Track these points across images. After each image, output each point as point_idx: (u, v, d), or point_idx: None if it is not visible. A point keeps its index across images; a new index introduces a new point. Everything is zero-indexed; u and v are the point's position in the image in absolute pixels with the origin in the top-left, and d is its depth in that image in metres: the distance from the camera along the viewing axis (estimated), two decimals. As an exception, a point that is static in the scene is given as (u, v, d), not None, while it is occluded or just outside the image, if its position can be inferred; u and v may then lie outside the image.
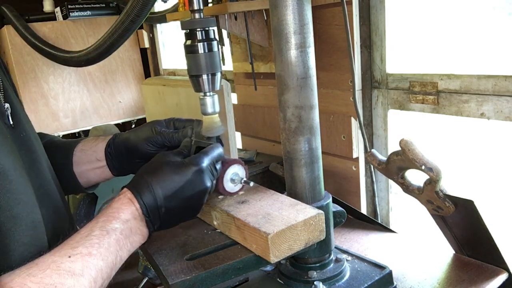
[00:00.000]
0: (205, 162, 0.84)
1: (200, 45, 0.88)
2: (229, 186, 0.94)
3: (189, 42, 0.89)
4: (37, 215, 0.76)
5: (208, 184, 0.83)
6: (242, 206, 0.90)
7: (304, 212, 0.84)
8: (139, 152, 0.97)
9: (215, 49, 0.89)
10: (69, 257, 0.67)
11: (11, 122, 0.80)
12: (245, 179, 0.95)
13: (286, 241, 0.81)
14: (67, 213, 0.93)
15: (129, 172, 1.02)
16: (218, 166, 0.88)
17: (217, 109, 0.92)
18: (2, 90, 0.81)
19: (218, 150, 0.88)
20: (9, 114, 0.80)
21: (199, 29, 0.87)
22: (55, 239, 0.80)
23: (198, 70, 0.89)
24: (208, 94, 0.91)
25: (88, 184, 1.07)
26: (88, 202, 1.64)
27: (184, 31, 0.89)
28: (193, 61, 0.89)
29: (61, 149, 1.04)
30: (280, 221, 0.82)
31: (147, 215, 0.78)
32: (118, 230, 0.74)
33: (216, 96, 0.92)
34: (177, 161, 0.83)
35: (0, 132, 0.74)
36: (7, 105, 0.80)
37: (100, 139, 1.04)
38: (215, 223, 0.94)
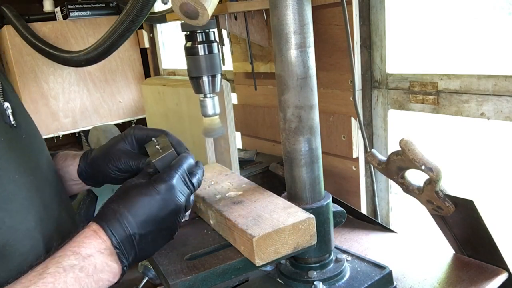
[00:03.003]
0: (174, 176, 0.77)
1: (200, 47, 0.88)
2: None
3: (189, 44, 0.89)
4: (30, 223, 0.73)
5: (181, 200, 0.76)
6: (236, 207, 0.90)
7: (295, 215, 0.84)
8: (110, 177, 0.94)
9: (215, 51, 0.90)
10: None
11: (12, 122, 0.80)
12: (186, 215, 0.87)
13: (273, 245, 0.80)
14: (70, 215, 0.92)
15: (110, 184, 0.98)
16: (195, 178, 0.80)
17: (218, 110, 0.93)
18: (1, 89, 0.80)
19: (188, 161, 0.81)
20: (10, 114, 0.79)
21: (199, 31, 0.87)
22: (59, 242, 0.80)
23: (198, 72, 0.89)
24: (208, 96, 0.91)
25: (71, 193, 1.03)
26: (88, 202, 1.64)
27: (185, 33, 0.90)
28: (193, 63, 0.89)
29: None
30: (269, 224, 0.82)
31: (117, 247, 0.70)
32: (77, 267, 0.64)
33: (216, 98, 0.92)
34: (142, 182, 0.76)
35: None
36: (6, 104, 0.80)
37: (70, 160, 0.99)
38: (211, 222, 0.94)
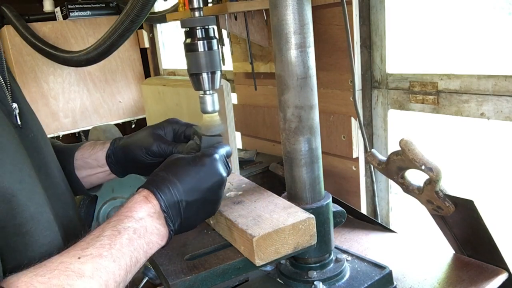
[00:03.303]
0: (218, 153, 0.82)
1: (200, 43, 0.87)
2: None
3: (189, 40, 0.88)
4: (49, 215, 0.75)
5: (224, 173, 0.81)
6: (236, 207, 0.90)
7: (295, 215, 0.84)
8: (139, 161, 0.96)
9: (215, 47, 0.89)
10: (79, 258, 0.64)
11: (19, 122, 0.80)
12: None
13: (273, 244, 0.80)
14: (77, 214, 0.93)
15: (134, 172, 1.02)
16: (230, 164, 0.85)
17: (217, 107, 0.92)
18: (9, 90, 0.81)
19: (227, 147, 0.87)
20: (17, 114, 0.80)
21: (199, 27, 0.87)
22: (65, 241, 0.80)
23: (198, 68, 0.88)
24: (208, 92, 0.91)
25: (91, 186, 1.06)
26: (88, 202, 1.64)
27: (184, 29, 0.89)
28: (193, 60, 0.88)
29: (62, 153, 1.03)
30: (269, 224, 0.82)
31: (165, 211, 0.74)
32: (131, 229, 0.69)
33: (216, 95, 0.92)
34: (189, 156, 0.82)
35: (8, 132, 0.74)
36: (14, 105, 0.80)
37: (99, 146, 1.03)
38: (211, 222, 0.94)
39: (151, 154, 0.95)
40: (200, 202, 0.78)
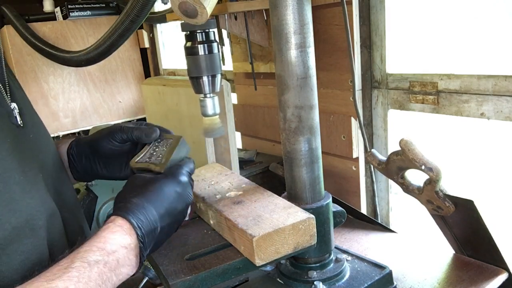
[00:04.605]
0: (187, 174, 0.83)
1: (200, 47, 0.88)
2: None
3: (189, 44, 0.89)
4: (37, 221, 0.74)
5: (192, 195, 0.82)
6: (236, 207, 0.90)
7: (295, 215, 0.84)
8: (102, 149, 0.94)
9: (215, 50, 0.90)
10: None
11: (19, 122, 0.80)
12: (187, 218, 0.91)
13: (273, 245, 0.80)
14: (76, 213, 0.93)
15: (90, 176, 0.99)
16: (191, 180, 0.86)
17: (217, 110, 0.93)
18: (8, 90, 0.80)
19: (191, 165, 0.87)
20: (17, 114, 0.80)
21: (199, 31, 0.87)
22: (73, 238, 0.80)
23: (198, 71, 0.89)
24: (208, 95, 0.91)
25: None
26: (88, 202, 1.64)
27: (185, 32, 0.90)
28: (193, 63, 0.89)
29: None
30: (269, 224, 0.82)
31: (142, 241, 0.72)
32: (101, 263, 0.66)
33: (216, 98, 0.92)
34: (158, 176, 0.80)
35: (6, 134, 0.73)
36: (14, 104, 0.80)
37: (65, 140, 1.01)
38: (211, 222, 0.94)
39: (114, 138, 0.93)
40: (171, 224, 0.78)
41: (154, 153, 0.87)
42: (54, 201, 0.80)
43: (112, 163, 0.94)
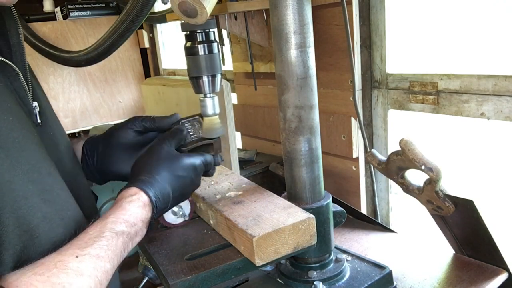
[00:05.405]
0: (203, 162, 0.89)
1: (200, 47, 0.88)
2: (169, 218, 0.97)
3: (189, 44, 0.89)
4: (66, 212, 0.75)
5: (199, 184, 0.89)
6: (236, 207, 0.90)
7: (295, 215, 0.84)
8: (115, 141, 0.96)
9: (215, 51, 0.90)
10: (77, 257, 0.66)
11: (39, 121, 0.81)
12: (187, 215, 0.98)
13: (273, 244, 0.80)
14: (95, 211, 0.94)
15: (100, 175, 0.99)
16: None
17: (217, 110, 0.93)
18: (30, 89, 0.81)
19: (209, 157, 0.91)
20: (37, 113, 0.81)
21: (199, 31, 0.87)
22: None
23: (198, 71, 0.89)
24: (208, 95, 0.91)
25: None
26: (88, 202, 1.64)
27: (185, 33, 0.90)
28: (193, 63, 0.89)
29: None
30: (269, 224, 0.82)
31: (154, 217, 0.80)
32: (125, 234, 0.74)
33: (216, 98, 0.92)
34: (181, 155, 0.86)
35: (28, 130, 0.74)
36: (35, 103, 0.81)
37: (78, 139, 1.03)
38: (211, 222, 0.94)
39: (133, 127, 0.96)
40: (175, 205, 0.87)
41: (191, 132, 0.94)
42: (74, 198, 0.80)
43: (122, 157, 0.96)
